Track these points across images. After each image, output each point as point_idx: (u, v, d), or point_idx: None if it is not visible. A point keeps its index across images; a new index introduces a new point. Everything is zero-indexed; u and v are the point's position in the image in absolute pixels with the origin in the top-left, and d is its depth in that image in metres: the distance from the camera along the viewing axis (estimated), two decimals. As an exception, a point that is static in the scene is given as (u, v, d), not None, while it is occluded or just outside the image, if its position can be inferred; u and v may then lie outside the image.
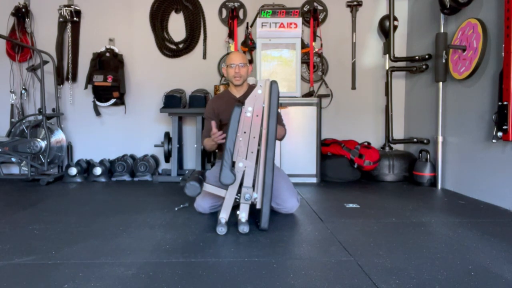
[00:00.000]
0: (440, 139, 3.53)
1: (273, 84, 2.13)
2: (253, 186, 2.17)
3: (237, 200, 2.18)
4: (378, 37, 4.43)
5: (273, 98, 2.13)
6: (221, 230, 2.10)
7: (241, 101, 2.51)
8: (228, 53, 4.33)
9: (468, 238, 2.06)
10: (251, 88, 2.63)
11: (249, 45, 4.21)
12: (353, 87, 4.45)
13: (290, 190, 2.53)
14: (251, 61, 4.30)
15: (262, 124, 2.15)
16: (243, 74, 2.63)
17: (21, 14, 4.24)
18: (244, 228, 2.11)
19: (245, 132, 2.14)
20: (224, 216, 2.14)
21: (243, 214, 2.15)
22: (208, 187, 2.19)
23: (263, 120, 2.14)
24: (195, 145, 4.08)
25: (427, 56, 3.81)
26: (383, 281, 1.50)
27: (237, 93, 2.72)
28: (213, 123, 2.36)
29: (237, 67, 2.60)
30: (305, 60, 4.25)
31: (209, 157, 4.14)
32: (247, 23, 4.28)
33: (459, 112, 3.34)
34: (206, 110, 2.78)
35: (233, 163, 2.13)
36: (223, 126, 2.65)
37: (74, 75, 4.37)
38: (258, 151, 2.17)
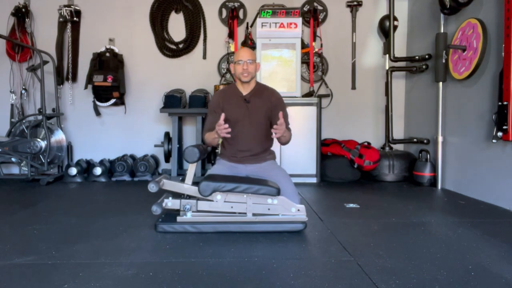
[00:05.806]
0: (440, 139, 3.53)
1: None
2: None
3: (183, 196, 2.24)
4: (378, 37, 4.43)
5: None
6: (156, 209, 2.13)
7: (247, 100, 2.53)
8: (230, 52, 4.33)
9: (468, 238, 2.06)
10: (259, 86, 2.62)
11: (249, 45, 4.20)
12: (353, 87, 4.45)
13: (292, 193, 2.51)
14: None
15: None
16: (251, 71, 2.52)
17: (21, 14, 4.23)
18: (156, 209, 2.13)
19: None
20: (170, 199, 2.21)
21: (169, 204, 2.20)
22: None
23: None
24: (195, 145, 4.08)
25: (427, 56, 3.81)
26: (383, 281, 1.50)
27: (244, 90, 2.59)
28: (222, 115, 2.32)
29: (245, 63, 2.49)
30: (305, 60, 4.24)
31: (209, 157, 4.14)
32: (247, 23, 4.28)
33: (459, 112, 3.33)
34: (212, 102, 2.68)
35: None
36: (226, 121, 2.65)
37: (74, 75, 4.37)
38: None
